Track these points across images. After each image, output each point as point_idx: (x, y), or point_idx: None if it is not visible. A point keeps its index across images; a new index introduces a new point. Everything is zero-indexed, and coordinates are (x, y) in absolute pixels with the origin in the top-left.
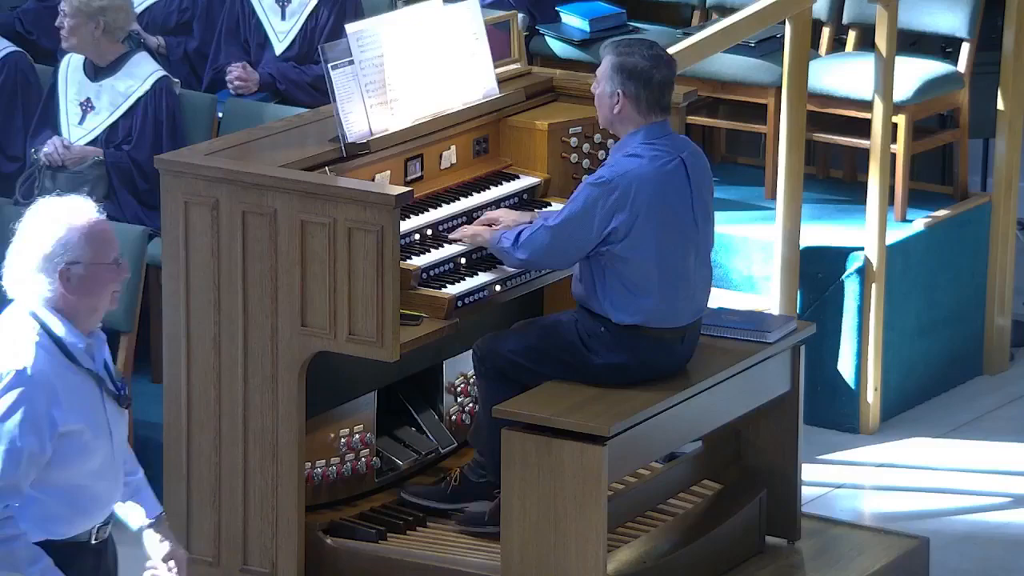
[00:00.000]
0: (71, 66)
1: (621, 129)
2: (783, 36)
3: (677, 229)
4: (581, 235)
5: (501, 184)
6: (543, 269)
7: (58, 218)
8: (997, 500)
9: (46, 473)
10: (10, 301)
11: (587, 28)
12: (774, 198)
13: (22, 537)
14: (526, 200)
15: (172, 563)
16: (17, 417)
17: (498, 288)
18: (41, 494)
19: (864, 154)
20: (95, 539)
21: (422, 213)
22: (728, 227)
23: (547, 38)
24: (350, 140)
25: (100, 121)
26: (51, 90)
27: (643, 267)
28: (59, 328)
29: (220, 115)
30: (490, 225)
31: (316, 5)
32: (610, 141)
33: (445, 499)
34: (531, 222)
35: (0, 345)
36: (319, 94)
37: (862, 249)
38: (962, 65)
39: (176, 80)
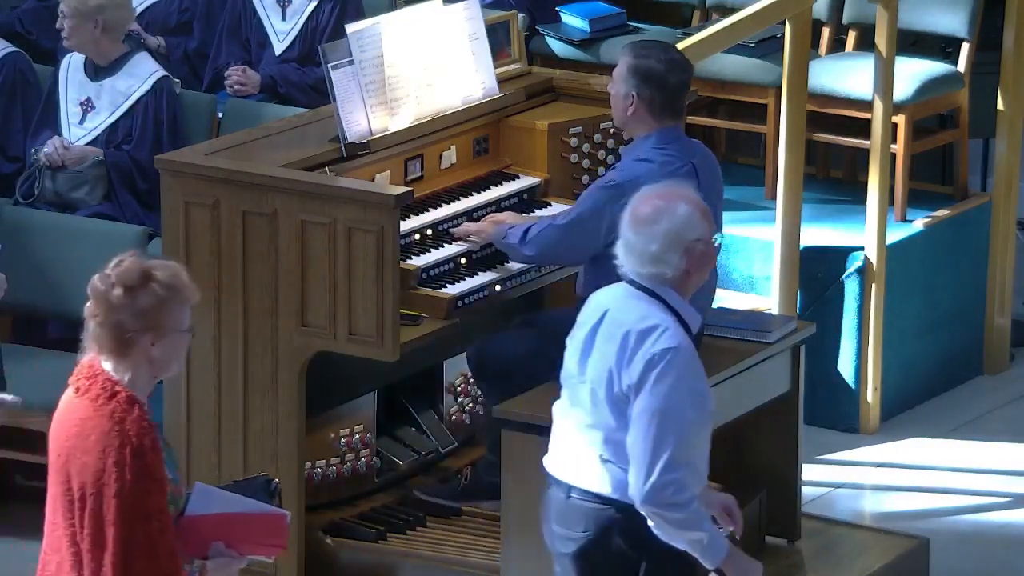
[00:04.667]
0: (71, 66)
1: (634, 131)
2: (783, 36)
3: None
4: (589, 237)
5: (501, 184)
6: (549, 265)
7: (677, 197)
8: (997, 500)
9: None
10: None
11: (587, 28)
12: (774, 198)
13: (697, 499)
14: (526, 200)
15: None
16: (686, 391)
17: (498, 288)
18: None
19: (864, 154)
20: None
21: (422, 213)
22: (728, 227)
23: (547, 38)
24: (350, 140)
25: (100, 121)
26: (51, 90)
27: None
28: (682, 308)
29: (220, 115)
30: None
31: (317, 5)
32: (611, 141)
33: (457, 497)
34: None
35: (641, 323)
36: (320, 96)
37: (862, 249)
38: (962, 65)
39: (176, 80)
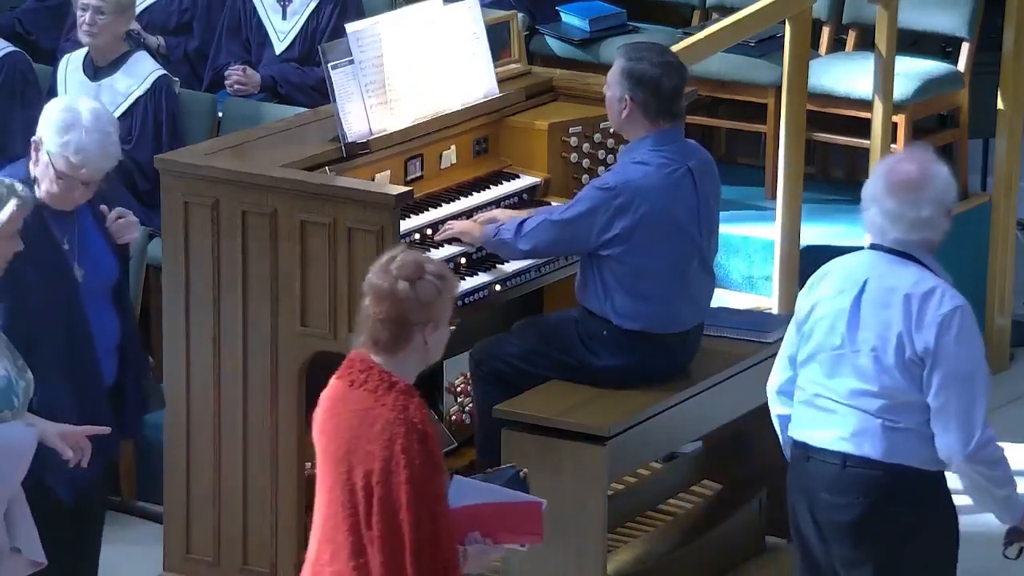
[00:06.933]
0: (71, 66)
1: (630, 133)
2: (783, 36)
3: (681, 237)
4: (582, 236)
5: (501, 184)
6: (540, 259)
7: (930, 160)
8: None
9: None
10: None
11: (587, 28)
12: (774, 198)
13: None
14: (526, 200)
15: None
16: (979, 347)
17: (498, 288)
18: None
19: (864, 154)
20: None
21: (422, 213)
22: (728, 227)
23: (547, 38)
24: (350, 140)
25: None
26: (51, 90)
27: (646, 273)
28: (939, 271)
29: (220, 115)
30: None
31: (317, 5)
32: (610, 141)
33: None
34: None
35: (918, 287)
36: (320, 96)
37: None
38: (962, 65)
39: (176, 80)
